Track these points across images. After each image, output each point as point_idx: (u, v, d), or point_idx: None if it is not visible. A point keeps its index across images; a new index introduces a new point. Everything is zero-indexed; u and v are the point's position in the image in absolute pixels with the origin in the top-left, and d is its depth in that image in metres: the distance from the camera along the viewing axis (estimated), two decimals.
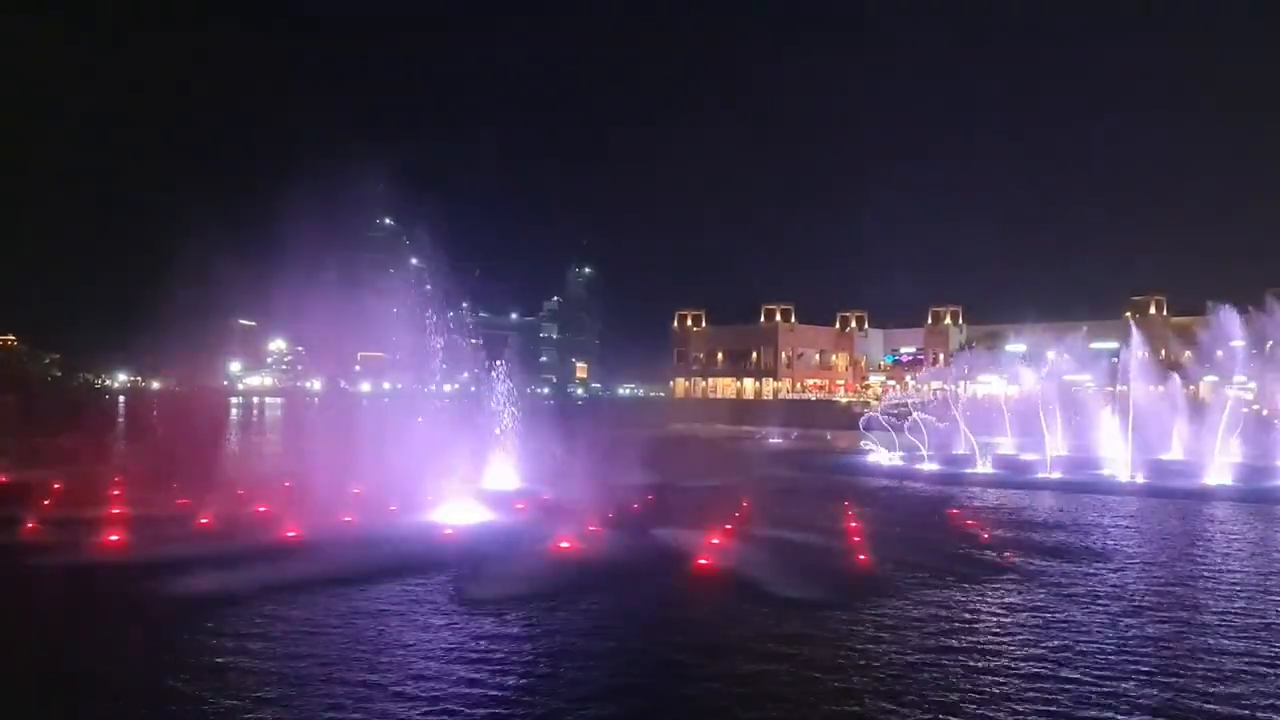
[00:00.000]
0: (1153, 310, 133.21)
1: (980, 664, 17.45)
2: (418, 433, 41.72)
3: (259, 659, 17.27)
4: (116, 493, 37.38)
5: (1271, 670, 17.37)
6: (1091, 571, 26.45)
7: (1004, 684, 16.31)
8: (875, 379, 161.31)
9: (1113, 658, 17.89)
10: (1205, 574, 26.54)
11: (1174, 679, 16.68)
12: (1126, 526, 36.07)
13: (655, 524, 32.48)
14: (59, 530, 29.61)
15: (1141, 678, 16.69)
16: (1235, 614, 21.62)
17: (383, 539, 28.78)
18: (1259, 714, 15.11)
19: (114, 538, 28.30)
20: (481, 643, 18.47)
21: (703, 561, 26.13)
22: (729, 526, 31.15)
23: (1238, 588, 24.56)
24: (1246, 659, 17.99)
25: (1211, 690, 16.13)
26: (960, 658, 17.83)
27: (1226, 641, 19.23)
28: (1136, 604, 22.51)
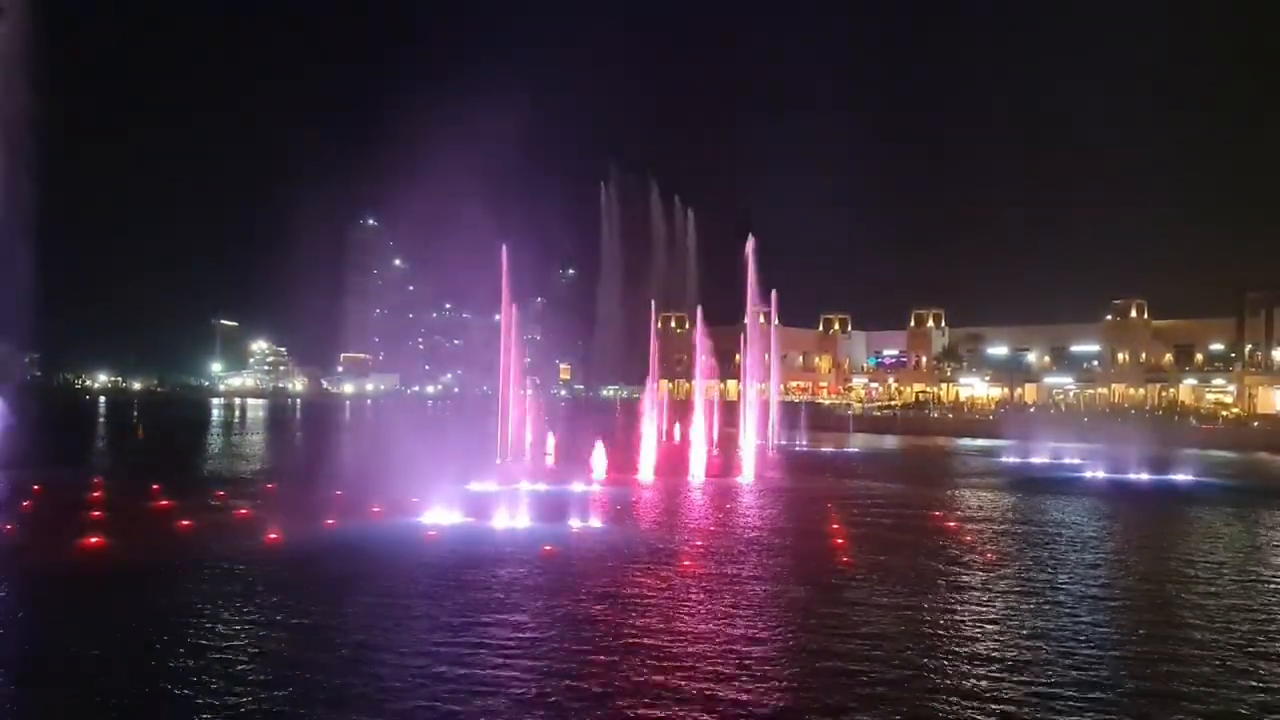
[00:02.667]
0: (1133, 314, 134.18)
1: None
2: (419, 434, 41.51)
3: (241, 663, 17.13)
4: (96, 494, 37.05)
5: None
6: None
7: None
8: (858, 381, 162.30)
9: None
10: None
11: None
12: None
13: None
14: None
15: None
16: None
17: (365, 542, 28.66)
18: None
19: (93, 540, 27.95)
20: (462, 646, 18.33)
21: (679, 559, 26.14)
22: None
23: None
24: None
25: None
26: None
27: None
28: None
